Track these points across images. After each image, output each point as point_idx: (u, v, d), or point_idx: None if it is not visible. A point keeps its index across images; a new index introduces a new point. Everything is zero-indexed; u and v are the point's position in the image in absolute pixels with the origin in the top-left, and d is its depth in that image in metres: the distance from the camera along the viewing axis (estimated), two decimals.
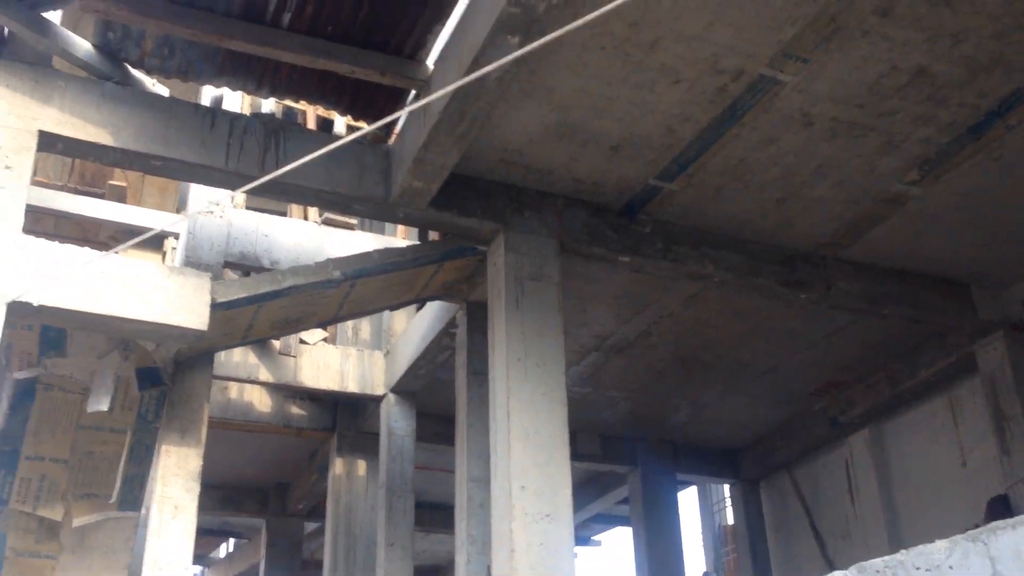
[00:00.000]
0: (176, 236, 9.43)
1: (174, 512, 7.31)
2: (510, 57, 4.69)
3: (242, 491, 14.58)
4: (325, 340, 10.73)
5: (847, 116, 6.72)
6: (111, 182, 9.30)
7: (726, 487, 14.61)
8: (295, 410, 11.31)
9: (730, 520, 14.42)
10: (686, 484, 14.41)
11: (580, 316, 9.53)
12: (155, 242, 9.96)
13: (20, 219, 6.16)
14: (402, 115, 6.59)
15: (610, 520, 16.04)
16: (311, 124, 8.80)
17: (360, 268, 7.35)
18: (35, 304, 6.05)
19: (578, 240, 7.69)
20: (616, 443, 12.51)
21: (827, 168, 7.26)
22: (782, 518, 12.88)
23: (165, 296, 6.45)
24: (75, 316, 6.27)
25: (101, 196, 9.35)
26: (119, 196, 9.34)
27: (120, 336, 7.00)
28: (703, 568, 14.94)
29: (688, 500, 15.36)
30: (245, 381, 10.08)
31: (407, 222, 7.57)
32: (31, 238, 6.18)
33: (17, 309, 6.04)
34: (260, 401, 11.15)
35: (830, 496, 11.95)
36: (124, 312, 6.30)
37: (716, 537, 14.98)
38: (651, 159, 7.27)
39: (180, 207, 10.05)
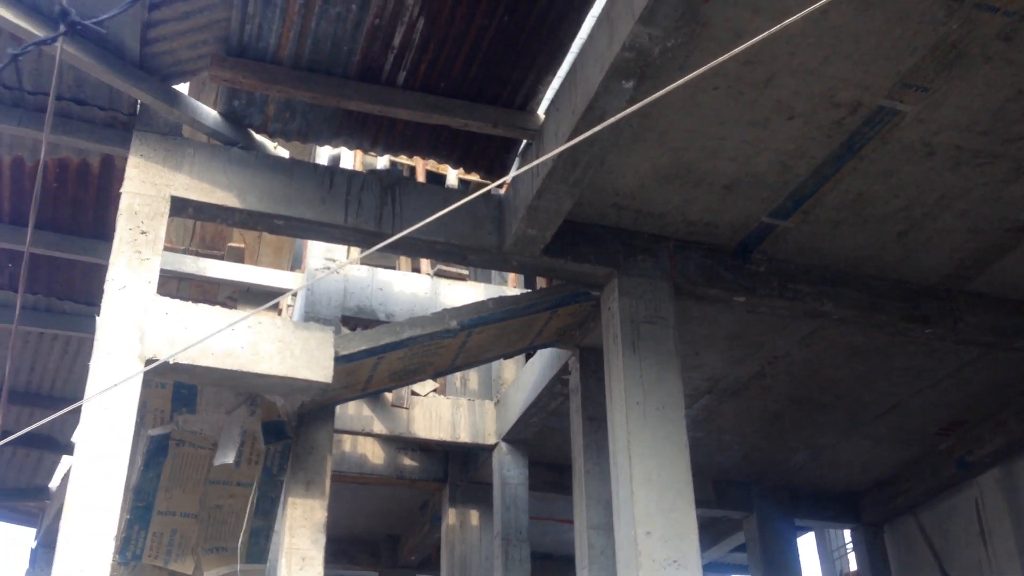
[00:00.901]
0: (292, 293, 9.69)
1: (302, 564, 7.41)
2: (635, 107, 4.71)
3: (354, 543, 14.68)
4: (436, 391, 10.82)
5: (971, 144, 6.55)
6: (230, 244, 9.64)
7: (846, 532, 14.10)
8: (407, 461, 11.39)
9: (852, 567, 13.89)
10: (804, 530, 13.96)
11: (692, 359, 9.40)
12: (271, 299, 10.26)
13: (155, 281, 6.42)
14: (522, 169, 6.69)
15: (723, 569, 15.63)
16: (421, 177, 8.99)
17: (476, 317, 7.42)
18: (171, 363, 6.27)
19: (693, 282, 7.63)
20: (730, 488, 12.22)
21: (950, 198, 7.06)
22: (908, 563, 12.35)
23: (292, 351, 6.62)
24: (208, 372, 6.47)
25: (220, 258, 9.69)
26: (237, 257, 9.67)
27: (249, 391, 7.19)
28: None
29: (806, 547, 14.88)
30: (360, 434, 10.22)
31: (521, 270, 7.63)
32: (167, 299, 6.43)
33: (155, 369, 6.26)
34: (373, 453, 11.27)
35: (960, 539, 11.42)
36: (254, 367, 6.48)
37: None
38: (765, 197, 7.20)
39: (294, 265, 10.34)
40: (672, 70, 6.04)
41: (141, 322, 6.22)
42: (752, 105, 6.35)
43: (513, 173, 7.36)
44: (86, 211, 7.68)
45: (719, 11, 5.70)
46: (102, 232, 7.90)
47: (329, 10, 6.15)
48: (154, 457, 7.41)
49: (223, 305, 10.02)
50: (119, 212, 6.47)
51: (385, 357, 7.31)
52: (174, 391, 7.24)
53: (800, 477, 12.15)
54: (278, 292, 9.97)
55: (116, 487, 5.75)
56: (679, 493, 6.83)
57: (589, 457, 8.35)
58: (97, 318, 6.29)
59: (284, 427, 7.57)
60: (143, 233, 6.45)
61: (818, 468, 11.86)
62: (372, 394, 8.76)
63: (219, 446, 7.27)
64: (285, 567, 7.38)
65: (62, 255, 7.98)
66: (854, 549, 13.34)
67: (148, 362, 6.15)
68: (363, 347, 7.01)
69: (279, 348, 6.57)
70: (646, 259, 7.56)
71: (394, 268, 9.50)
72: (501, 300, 7.67)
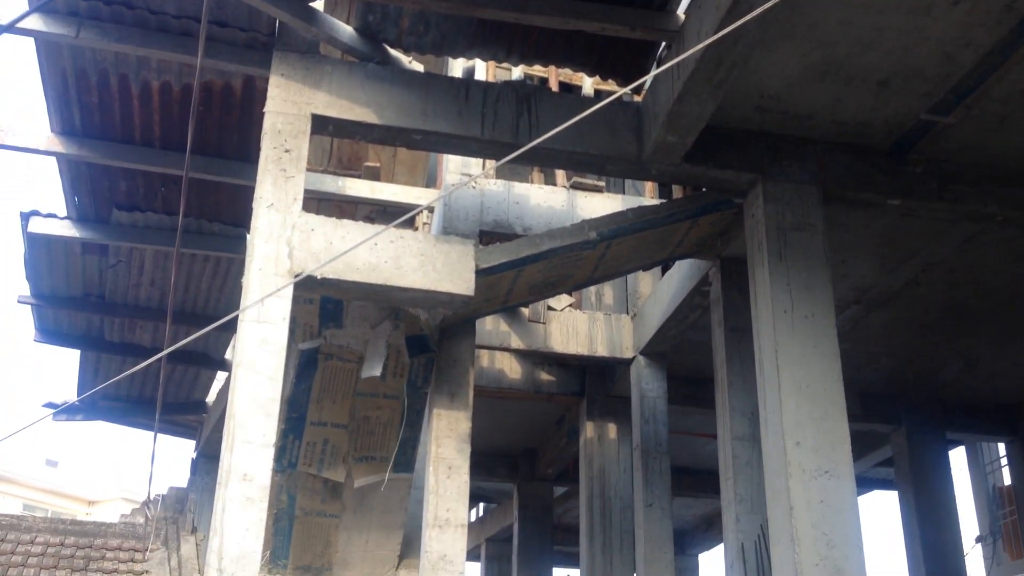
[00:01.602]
0: (429, 210, 9.77)
1: (448, 472, 7.58)
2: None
3: (493, 457, 15.01)
4: (572, 306, 10.79)
5: None
6: (366, 164, 9.74)
7: (1000, 446, 13.53)
8: (544, 376, 11.47)
9: (1006, 481, 13.35)
10: (955, 444, 13.46)
11: (839, 268, 9.02)
12: (409, 219, 10.38)
13: (300, 198, 6.54)
14: (663, 67, 6.44)
15: (868, 483, 15.26)
16: (554, 87, 8.82)
17: (616, 228, 7.29)
18: (319, 277, 6.41)
19: (843, 186, 7.29)
20: (877, 401, 11.83)
21: None
22: None
23: (434, 265, 6.66)
24: (353, 287, 6.59)
25: (357, 177, 9.82)
26: (373, 176, 9.78)
27: (393, 305, 7.31)
28: (976, 532, 13.95)
29: (956, 461, 14.35)
30: (498, 349, 10.32)
31: (660, 179, 7.44)
32: (312, 215, 6.54)
33: (303, 283, 6.42)
34: (511, 368, 11.39)
35: None
36: (397, 281, 6.56)
37: (991, 499, 13.92)
38: (924, 92, 6.75)
39: (428, 183, 10.39)
40: None
41: (289, 238, 6.37)
42: None
43: (653, 73, 7.11)
44: (231, 133, 7.86)
45: None
46: (246, 154, 8.09)
47: None
48: (305, 370, 7.66)
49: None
50: (263, 131, 6.59)
51: (525, 270, 7.29)
52: (321, 307, 7.43)
53: (952, 390, 11.66)
54: (416, 208, 10.07)
55: (273, 396, 5.98)
56: (831, 402, 6.64)
57: (732, 368, 8.19)
58: (248, 236, 6.47)
59: (427, 340, 7.69)
60: (287, 151, 6.56)
61: (972, 380, 11.34)
62: (511, 308, 8.80)
63: (366, 359, 7.45)
64: (432, 475, 7.57)
65: (210, 177, 8.22)
66: (1008, 463, 12.81)
67: (296, 276, 6.31)
68: (503, 260, 6.99)
69: (421, 262, 6.63)
70: (792, 163, 7.24)
71: (528, 182, 9.42)
72: (640, 210, 7.51)
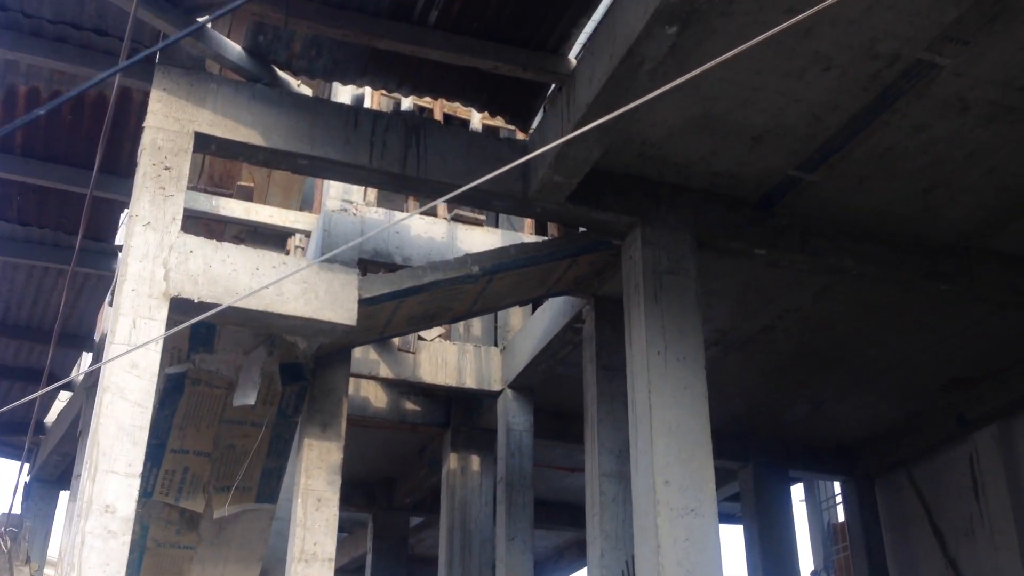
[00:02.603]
0: (301, 233, 9.58)
1: (317, 504, 7.42)
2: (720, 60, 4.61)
3: (350, 485, 14.66)
4: (441, 336, 10.79)
5: (1007, 100, 6.51)
6: (239, 183, 9.49)
7: (836, 484, 14.32)
8: (410, 406, 11.39)
9: (840, 518, 14.13)
10: (795, 481, 14.16)
11: (704, 311, 9.38)
12: (279, 240, 10.15)
13: (180, 219, 6.31)
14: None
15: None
16: (438, 117, 8.84)
17: (498, 263, 7.36)
18: (195, 300, 6.19)
19: (715, 234, 7.61)
20: (727, 439, 12.27)
21: (980, 155, 7.04)
22: (899, 516, 12.57)
23: (316, 292, 6.55)
24: (233, 312, 6.39)
25: (230, 196, 9.54)
26: (247, 196, 9.53)
27: (271, 332, 7.13)
28: (811, 567, 14.68)
29: (794, 497, 15.08)
30: (366, 377, 10.19)
31: (544, 217, 7.57)
32: (191, 237, 6.32)
33: (178, 306, 6.18)
34: (376, 396, 11.26)
35: (952, 494, 11.62)
36: (279, 308, 6.41)
37: (825, 535, 14.70)
38: (794, 149, 7.15)
39: (303, 205, 10.20)
40: (714, 16, 5.95)
41: (166, 259, 6.13)
42: (790, 55, 6.27)
43: (537, 118, 7.26)
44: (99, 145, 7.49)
45: None
46: (115, 167, 7.75)
47: None
48: (169, 395, 7.35)
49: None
50: (142, 147, 6.34)
51: (406, 301, 7.26)
52: (192, 330, 7.16)
53: (797, 430, 12.28)
54: (287, 232, 9.87)
55: (141, 424, 5.71)
56: (698, 444, 6.87)
57: (603, 406, 8.37)
58: (119, 255, 6.18)
59: (302, 369, 7.52)
60: (167, 169, 6.33)
61: (816, 422, 11.98)
62: (389, 337, 8.72)
63: (239, 386, 7.22)
64: (300, 507, 7.39)
65: (73, 189, 7.81)
66: (843, 501, 13.55)
67: (173, 300, 6.07)
68: (385, 290, 6.95)
69: (304, 289, 6.50)
70: (669, 210, 7.52)
71: (404, 211, 9.39)
72: (523, 247, 7.61)
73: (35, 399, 7.71)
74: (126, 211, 8.79)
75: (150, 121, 6.39)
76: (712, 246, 7.68)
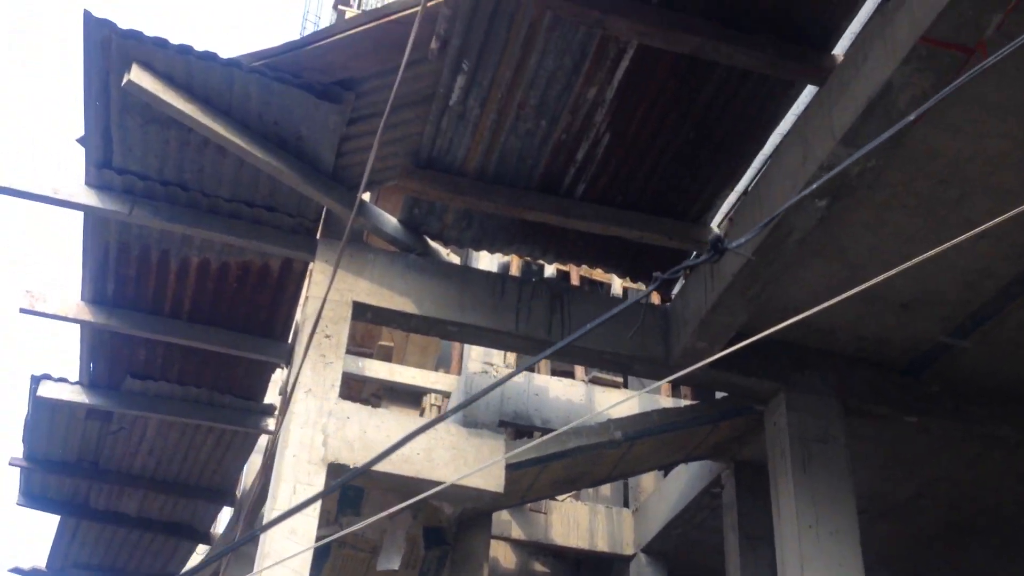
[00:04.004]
0: (438, 393, 9.78)
1: None
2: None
3: None
4: (572, 497, 10.67)
5: None
6: (380, 342, 9.81)
7: None
8: (539, 567, 11.17)
9: None
10: None
11: None
12: (414, 399, 10.37)
13: (338, 385, 6.55)
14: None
15: None
16: (575, 282, 9.05)
17: (641, 429, 7.35)
18: (351, 466, 6.33)
19: (862, 399, 7.45)
20: None
21: None
22: None
23: (465, 458, 6.62)
24: (385, 478, 6.51)
25: (370, 355, 9.86)
26: (386, 355, 9.83)
27: (419, 497, 7.19)
28: None
29: None
30: (499, 538, 10.09)
31: (686, 382, 7.56)
32: (347, 403, 6.53)
33: (334, 472, 6.33)
34: (505, 557, 11.10)
35: None
36: (429, 474, 6.48)
37: None
38: (944, 316, 7.03)
39: (439, 364, 10.44)
40: (862, 188, 6.02)
41: (325, 424, 6.33)
42: (941, 223, 6.26)
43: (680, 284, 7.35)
44: (260, 311, 7.92)
45: (917, 130, 5.68)
46: (271, 331, 8.13)
47: (519, 126, 6.34)
48: (317, 559, 7.42)
49: (366, 402, 10.16)
50: (304, 316, 6.66)
51: (549, 466, 7.27)
52: (341, 493, 7.30)
53: None
54: (422, 392, 10.09)
55: None
56: None
57: (746, 574, 8.07)
58: (275, 416, 6.42)
59: (444, 533, 7.54)
60: (327, 337, 6.61)
61: None
62: (529, 501, 8.69)
63: (383, 550, 7.26)
64: None
65: (231, 352, 8.21)
66: None
67: (330, 466, 6.23)
68: (531, 456, 6.98)
69: (453, 455, 6.59)
70: (814, 374, 7.42)
71: (546, 374, 9.50)
72: (665, 412, 7.58)
73: (211, 561, 7.92)
74: (278, 371, 9.19)
75: (313, 291, 6.73)
76: (859, 412, 7.51)
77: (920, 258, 3.20)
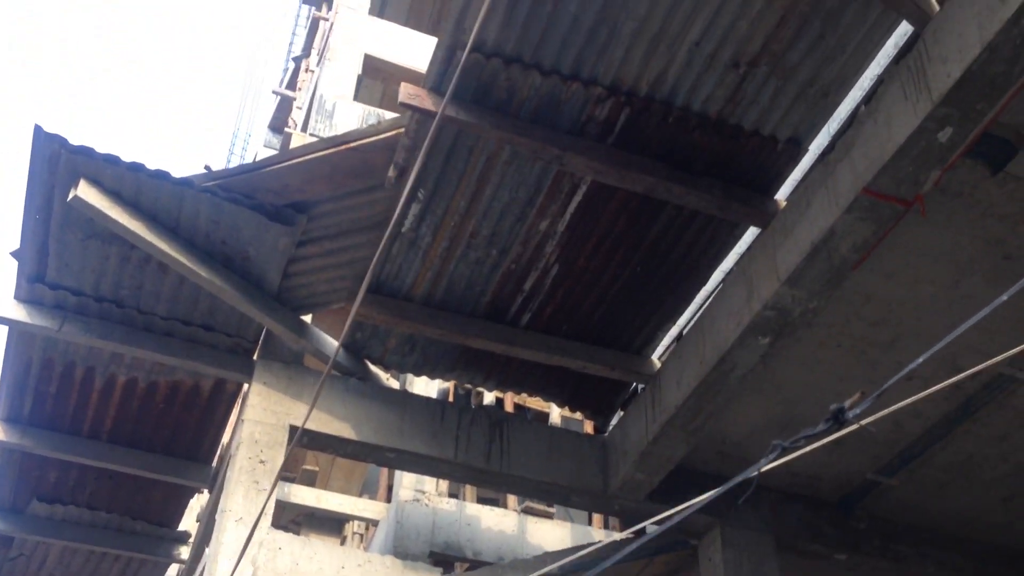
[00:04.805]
0: (363, 521, 9.46)
1: None
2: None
3: None
4: None
5: None
6: (304, 467, 9.51)
7: None
8: None
9: None
10: None
11: None
12: (336, 525, 10.01)
13: (271, 514, 6.29)
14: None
15: None
16: (509, 408, 9.00)
17: (578, 563, 7.18)
18: None
19: (796, 536, 7.51)
20: None
21: None
22: None
23: None
24: None
25: (293, 480, 9.53)
26: (310, 480, 9.51)
27: None
28: None
29: None
30: None
31: (623, 514, 7.50)
32: (279, 533, 6.27)
33: None
34: None
35: None
36: None
37: None
38: (874, 454, 7.21)
39: (364, 490, 10.15)
40: (801, 327, 6.22)
41: (255, 556, 6.03)
42: (873, 364, 6.48)
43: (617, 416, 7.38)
44: (186, 433, 7.62)
45: (854, 274, 5.93)
46: (196, 454, 7.82)
47: (470, 255, 6.39)
48: None
49: (286, 529, 9.76)
50: (239, 441, 6.42)
51: None
52: None
53: None
54: (345, 519, 9.75)
55: None
56: None
57: None
58: (186, 547, 6.10)
59: None
60: (262, 462, 6.38)
61: None
62: None
63: None
64: None
65: (151, 475, 7.83)
66: None
67: None
68: None
69: None
70: (748, 510, 7.46)
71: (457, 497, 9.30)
72: (601, 547, 7.46)
73: None
74: (196, 496, 8.79)
75: (249, 415, 6.53)
76: (792, 548, 7.55)
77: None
